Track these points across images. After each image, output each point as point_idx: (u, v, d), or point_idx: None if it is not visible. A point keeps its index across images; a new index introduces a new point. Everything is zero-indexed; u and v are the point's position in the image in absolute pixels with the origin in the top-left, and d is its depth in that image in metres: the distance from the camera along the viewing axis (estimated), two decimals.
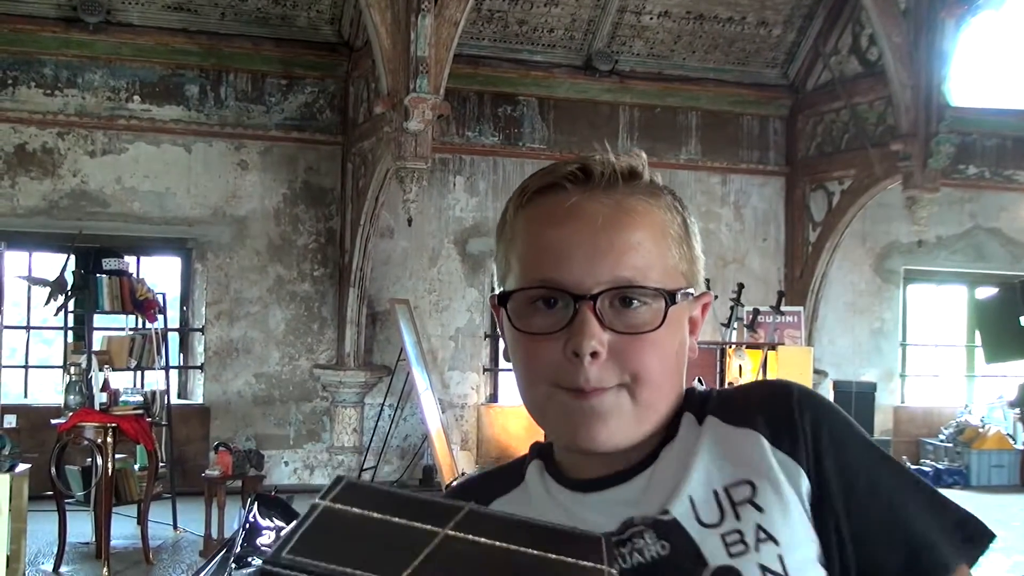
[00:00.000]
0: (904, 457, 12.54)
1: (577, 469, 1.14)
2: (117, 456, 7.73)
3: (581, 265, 1.06)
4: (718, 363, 9.30)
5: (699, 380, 1.26)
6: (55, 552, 7.62)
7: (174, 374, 10.09)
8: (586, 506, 1.11)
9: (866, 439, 1.13)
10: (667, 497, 1.08)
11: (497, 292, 1.14)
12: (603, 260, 1.06)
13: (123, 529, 8.15)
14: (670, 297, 1.08)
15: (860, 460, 1.10)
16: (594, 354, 1.05)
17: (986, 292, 13.57)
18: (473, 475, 1.28)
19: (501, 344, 1.15)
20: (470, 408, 11.63)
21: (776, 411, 1.11)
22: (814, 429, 1.09)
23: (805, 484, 1.07)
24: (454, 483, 1.26)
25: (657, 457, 1.12)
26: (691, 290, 1.13)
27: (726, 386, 8.76)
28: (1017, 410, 13.25)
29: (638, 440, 1.11)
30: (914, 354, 13.73)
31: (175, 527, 8.72)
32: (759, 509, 1.06)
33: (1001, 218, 13.51)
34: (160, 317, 8.85)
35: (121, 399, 7.92)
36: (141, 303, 8.40)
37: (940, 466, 12.53)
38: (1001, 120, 13.00)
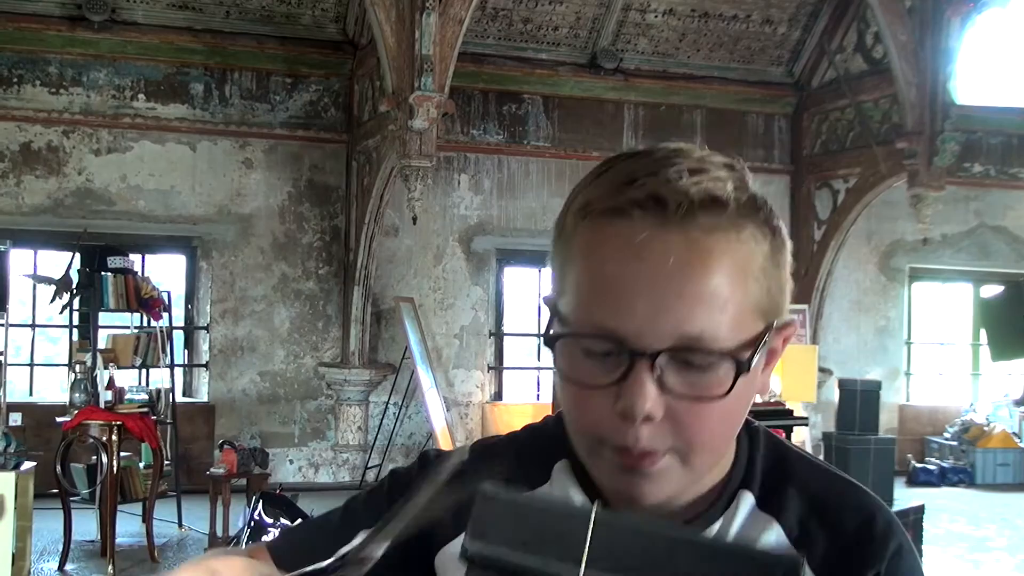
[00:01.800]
0: (909, 455, 12.54)
1: (618, 499, 1.02)
2: (122, 454, 7.74)
3: (643, 316, 0.91)
4: None
5: None
6: (60, 550, 7.63)
7: (179, 372, 10.08)
8: None
9: None
10: None
11: (544, 334, 1.00)
12: (668, 313, 0.91)
13: (128, 527, 8.16)
14: (743, 365, 0.93)
15: None
16: (647, 417, 0.92)
17: (991, 291, 13.60)
18: (500, 447, 1.16)
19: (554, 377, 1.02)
20: (475, 406, 11.63)
21: (846, 549, 1.01)
22: None
23: None
24: (475, 445, 1.16)
25: (710, 524, 1.02)
26: (766, 337, 0.98)
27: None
28: (1023, 408, 13.25)
29: (685, 500, 1.01)
30: (919, 352, 13.72)
31: (180, 525, 8.73)
32: None
33: (1006, 216, 13.50)
34: (165, 315, 8.86)
35: (126, 397, 7.93)
36: (146, 301, 8.41)
37: (945, 464, 12.52)
38: (1006, 118, 12.98)
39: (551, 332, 0.98)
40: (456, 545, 1.04)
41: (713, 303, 0.92)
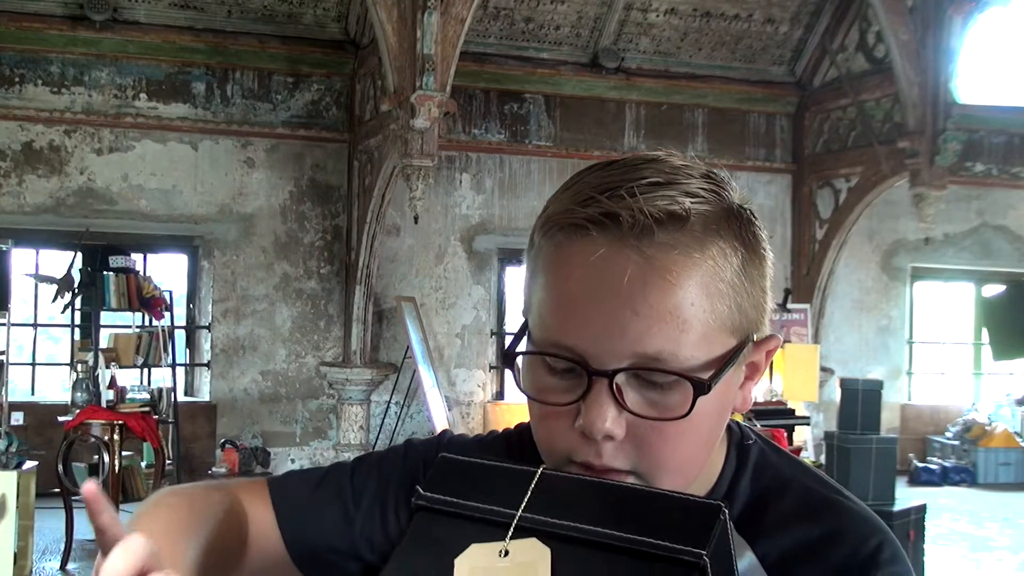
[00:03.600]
0: (911, 455, 12.54)
1: None
2: (124, 453, 7.75)
3: (599, 335, 0.91)
4: None
5: None
6: (62, 549, 7.64)
7: (181, 371, 10.09)
8: None
9: None
10: None
11: (507, 350, 1.00)
12: (624, 332, 0.90)
13: None
14: (701, 386, 0.91)
15: None
16: (608, 436, 0.92)
17: (993, 290, 13.59)
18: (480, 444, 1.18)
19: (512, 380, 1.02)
20: (476, 406, 11.63)
21: None
22: None
23: None
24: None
25: None
26: (740, 354, 0.95)
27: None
28: None
29: None
30: (921, 352, 13.71)
31: None
32: None
33: (1008, 215, 13.49)
34: (167, 314, 8.87)
35: (128, 396, 7.94)
36: (148, 300, 8.42)
37: (947, 464, 12.51)
38: (1009, 117, 12.97)
39: (510, 352, 0.98)
40: None
41: (671, 322, 0.90)
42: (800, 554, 0.98)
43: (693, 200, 0.92)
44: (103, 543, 0.80)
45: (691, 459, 0.96)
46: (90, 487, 0.80)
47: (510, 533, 0.90)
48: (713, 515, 0.85)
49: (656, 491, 0.89)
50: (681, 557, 0.83)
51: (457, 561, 0.90)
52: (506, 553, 0.89)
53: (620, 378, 0.91)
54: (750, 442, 1.06)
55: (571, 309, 0.92)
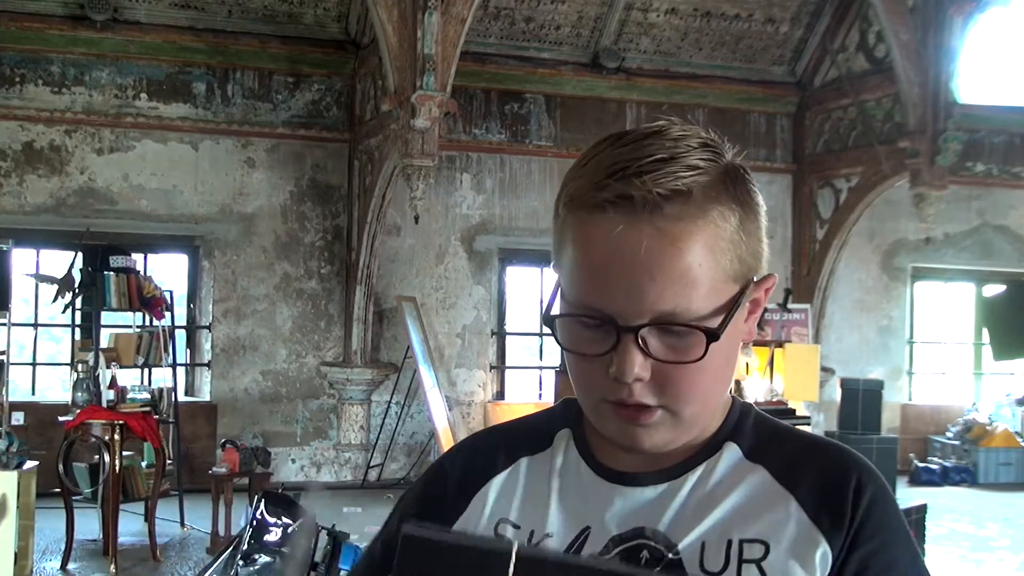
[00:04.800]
0: (911, 455, 12.53)
1: (610, 457, 1.18)
2: (124, 453, 7.74)
3: (623, 297, 1.06)
4: None
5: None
6: (63, 549, 7.64)
7: (181, 371, 10.09)
8: (607, 498, 1.16)
9: (908, 541, 1.14)
10: (683, 529, 1.12)
11: (545, 313, 1.15)
12: (644, 295, 1.05)
13: (130, 526, 8.16)
14: (711, 335, 1.07)
15: (894, 561, 1.12)
16: (637, 378, 1.07)
17: (993, 290, 13.60)
18: (501, 425, 1.33)
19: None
20: (477, 405, 11.63)
21: (829, 488, 1.13)
22: (863, 520, 1.11)
23: (827, 566, 1.10)
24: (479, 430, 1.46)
25: (691, 470, 1.16)
26: (742, 297, 1.10)
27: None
28: None
29: (680, 445, 1.15)
30: (921, 352, 13.71)
31: (182, 524, 8.74)
32: (763, 573, 1.09)
33: (1009, 215, 13.49)
34: (167, 314, 8.86)
35: (128, 396, 7.93)
36: (148, 300, 8.41)
37: (947, 464, 12.51)
38: (1009, 117, 12.97)
39: (551, 313, 1.14)
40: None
41: (683, 282, 1.05)
42: (803, 471, 1.15)
43: (694, 173, 1.06)
44: None
45: (710, 390, 1.12)
46: None
47: None
48: None
49: (643, 573, 0.94)
50: None
51: None
52: None
53: (644, 331, 1.06)
54: (749, 403, 1.24)
55: (599, 277, 1.07)
